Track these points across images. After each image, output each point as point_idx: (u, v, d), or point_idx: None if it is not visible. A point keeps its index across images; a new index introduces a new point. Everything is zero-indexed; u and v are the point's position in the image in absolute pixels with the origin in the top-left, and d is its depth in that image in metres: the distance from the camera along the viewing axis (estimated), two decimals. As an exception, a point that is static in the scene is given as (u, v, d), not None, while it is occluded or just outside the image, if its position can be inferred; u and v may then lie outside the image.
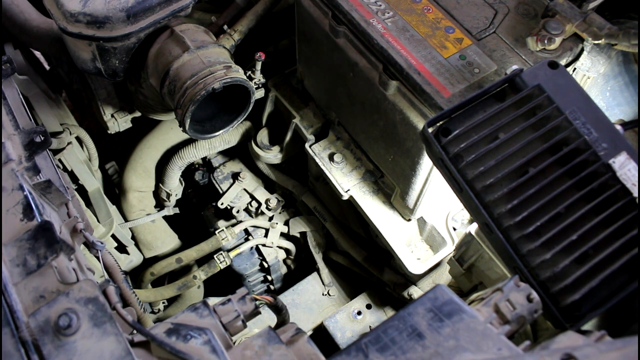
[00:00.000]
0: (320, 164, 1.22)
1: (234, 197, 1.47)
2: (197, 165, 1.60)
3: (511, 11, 0.94)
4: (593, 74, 0.94)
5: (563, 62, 0.91)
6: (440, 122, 0.74)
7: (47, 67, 1.31)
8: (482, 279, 0.95)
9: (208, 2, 1.36)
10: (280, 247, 1.51)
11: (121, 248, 1.52)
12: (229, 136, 1.43)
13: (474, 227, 0.89)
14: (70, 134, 1.32)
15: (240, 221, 1.48)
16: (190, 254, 1.46)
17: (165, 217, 1.59)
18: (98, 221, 1.40)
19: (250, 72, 1.22)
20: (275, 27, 1.31)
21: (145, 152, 1.47)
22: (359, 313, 1.30)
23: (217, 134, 1.18)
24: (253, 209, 1.47)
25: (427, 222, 1.17)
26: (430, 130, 0.73)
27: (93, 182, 1.33)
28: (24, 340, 0.55)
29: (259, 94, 1.27)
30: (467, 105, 0.74)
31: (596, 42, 0.87)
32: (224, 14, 1.25)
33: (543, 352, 0.50)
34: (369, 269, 1.36)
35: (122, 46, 1.05)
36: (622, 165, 0.70)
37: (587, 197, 0.69)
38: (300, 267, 1.56)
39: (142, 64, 1.12)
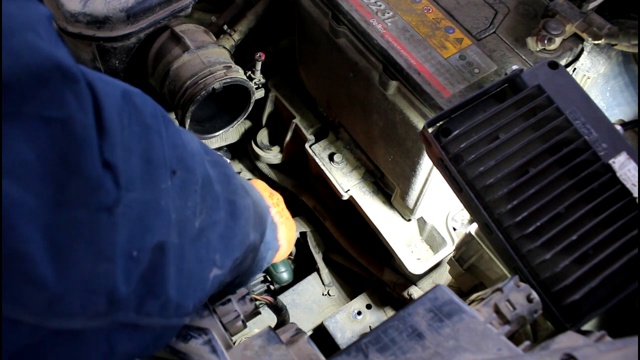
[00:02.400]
0: (320, 164, 1.23)
1: (234, 197, 1.47)
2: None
3: (511, 11, 0.94)
4: (593, 74, 0.94)
5: (563, 62, 0.91)
6: (440, 122, 0.74)
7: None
8: (482, 279, 0.95)
9: (208, 2, 1.36)
10: (280, 247, 1.51)
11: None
12: (227, 134, 1.43)
13: (474, 227, 0.89)
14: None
15: (240, 221, 1.48)
16: (190, 254, 1.46)
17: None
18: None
19: (250, 72, 1.22)
20: (275, 27, 1.31)
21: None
22: (359, 313, 1.30)
23: (217, 134, 1.18)
24: (253, 209, 1.47)
25: (427, 222, 1.17)
26: (430, 130, 0.73)
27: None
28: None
29: (259, 94, 1.27)
30: (467, 105, 0.74)
31: (596, 42, 0.87)
32: (224, 14, 1.25)
33: (543, 352, 0.50)
34: (369, 269, 1.36)
35: (122, 46, 1.05)
36: (622, 165, 0.70)
37: (587, 198, 0.69)
38: (300, 267, 1.56)
39: (142, 64, 1.12)
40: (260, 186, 0.98)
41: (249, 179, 0.98)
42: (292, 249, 1.04)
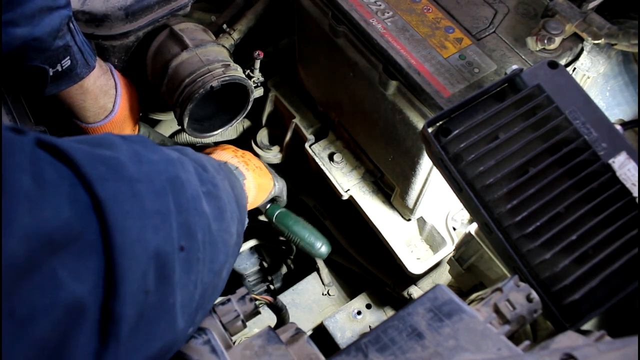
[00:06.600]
0: (320, 163, 1.22)
1: (233, 196, 1.47)
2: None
3: (511, 11, 0.94)
4: (593, 74, 0.94)
5: (563, 62, 0.91)
6: (440, 122, 0.74)
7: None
8: (482, 279, 0.95)
9: (208, 1, 1.36)
10: (280, 247, 1.51)
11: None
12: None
13: (474, 227, 0.89)
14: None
15: (240, 221, 1.48)
16: (190, 254, 1.45)
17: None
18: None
19: (249, 70, 1.22)
20: (275, 26, 1.31)
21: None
22: (359, 313, 1.30)
23: (215, 133, 1.18)
24: (252, 209, 1.47)
25: (427, 222, 1.17)
26: (430, 130, 0.73)
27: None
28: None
29: (258, 92, 1.26)
30: (467, 105, 0.74)
31: (596, 42, 0.87)
32: (223, 14, 1.25)
33: (543, 352, 0.50)
34: (369, 268, 1.36)
35: (120, 45, 1.05)
36: (622, 165, 0.70)
37: (586, 197, 0.69)
38: (300, 267, 1.56)
39: (140, 63, 1.12)
40: (227, 155, 1.05)
41: (208, 150, 1.06)
42: (268, 195, 1.16)
